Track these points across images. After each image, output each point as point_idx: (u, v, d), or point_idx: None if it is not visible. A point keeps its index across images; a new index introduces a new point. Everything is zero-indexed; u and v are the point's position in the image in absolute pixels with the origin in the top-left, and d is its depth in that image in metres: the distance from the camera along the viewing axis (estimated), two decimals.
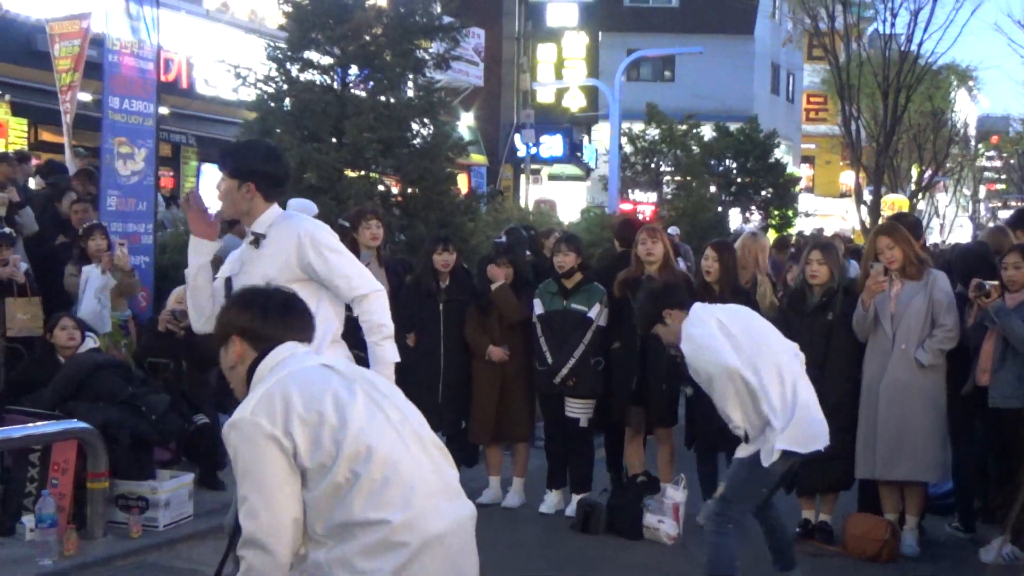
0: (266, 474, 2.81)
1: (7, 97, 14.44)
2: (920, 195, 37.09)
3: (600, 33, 30.59)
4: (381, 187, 11.75)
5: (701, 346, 5.03)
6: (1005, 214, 40.16)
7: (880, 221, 25.17)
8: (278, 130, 11.11)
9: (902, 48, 28.18)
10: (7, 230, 8.35)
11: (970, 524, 6.94)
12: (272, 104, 11.49)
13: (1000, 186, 61.36)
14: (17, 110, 14.60)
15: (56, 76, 11.85)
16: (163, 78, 11.10)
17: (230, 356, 3.12)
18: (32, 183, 10.76)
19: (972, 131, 52.00)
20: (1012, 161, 56.53)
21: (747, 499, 5.15)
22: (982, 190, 58.56)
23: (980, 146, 52.82)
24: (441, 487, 2.96)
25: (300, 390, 2.87)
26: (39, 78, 13.65)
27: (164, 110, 11.99)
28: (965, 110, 48.66)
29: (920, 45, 28.25)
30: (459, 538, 2.94)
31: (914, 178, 38.88)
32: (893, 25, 28.50)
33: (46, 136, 15.21)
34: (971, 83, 46.57)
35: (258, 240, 4.35)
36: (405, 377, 7.65)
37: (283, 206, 8.52)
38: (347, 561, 2.79)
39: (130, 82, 9.48)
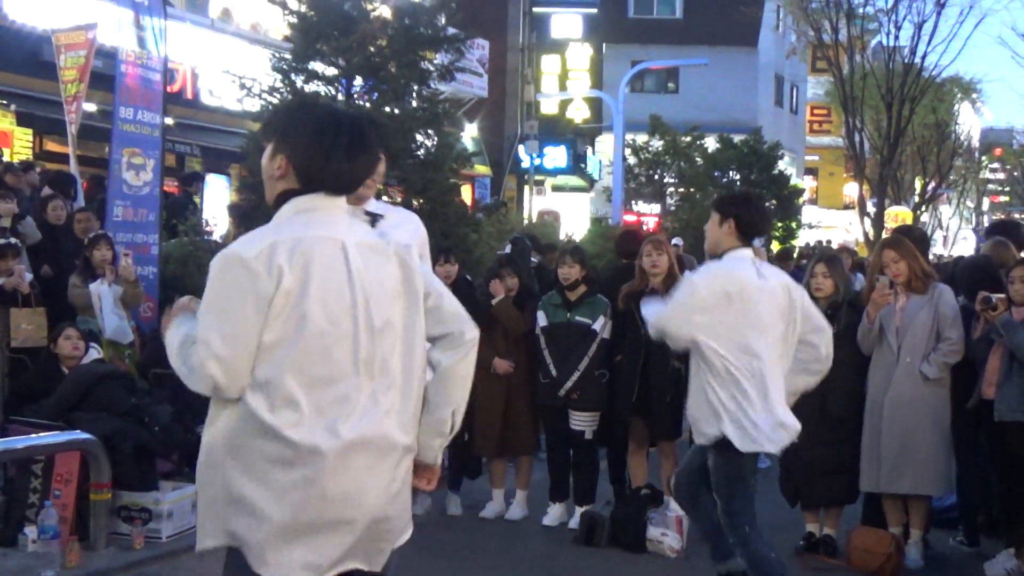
0: (242, 309, 2.68)
1: (12, 107, 14.47)
2: (923, 207, 37.12)
3: (604, 45, 30.66)
4: (385, 198, 11.77)
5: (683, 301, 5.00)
6: None
7: (884, 233, 25.19)
8: None
9: (906, 60, 28.23)
10: (12, 240, 8.36)
11: (974, 538, 6.92)
12: None
13: (1004, 198, 61.32)
14: (22, 120, 14.62)
15: (61, 86, 11.88)
16: (168, 89, 11.12)
17: (274, 167, 2.88)
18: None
19: (976, 143, 52.01)
20: (1016, 173, 56.56)
21: (743, 498, 5.10)
22: (985, 202, 58.54)
23: (984, 158, 52.83)
24: (367, 415, 2.79)
25: (304, 265, 2.72)
26: (44, 88, 13.69)
27: (169, 120, 12.01)
28: (969, 122, 48.67)
29: (924, 57, 28.32)
30: (363, 458, 2.77)
31: (917, 190, 38.91)
32: (897, 38, 28.58)
33: (51, 146, 15.24)
34: (975, 96, 46.62)
35: (375, 220, 3.91)
36: None
37: None
38: (251, 464, 2.71)
39: (136, 93, 9.51)
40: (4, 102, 14.36)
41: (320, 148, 2.82)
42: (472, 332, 3.04)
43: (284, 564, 2.72)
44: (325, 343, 2.75)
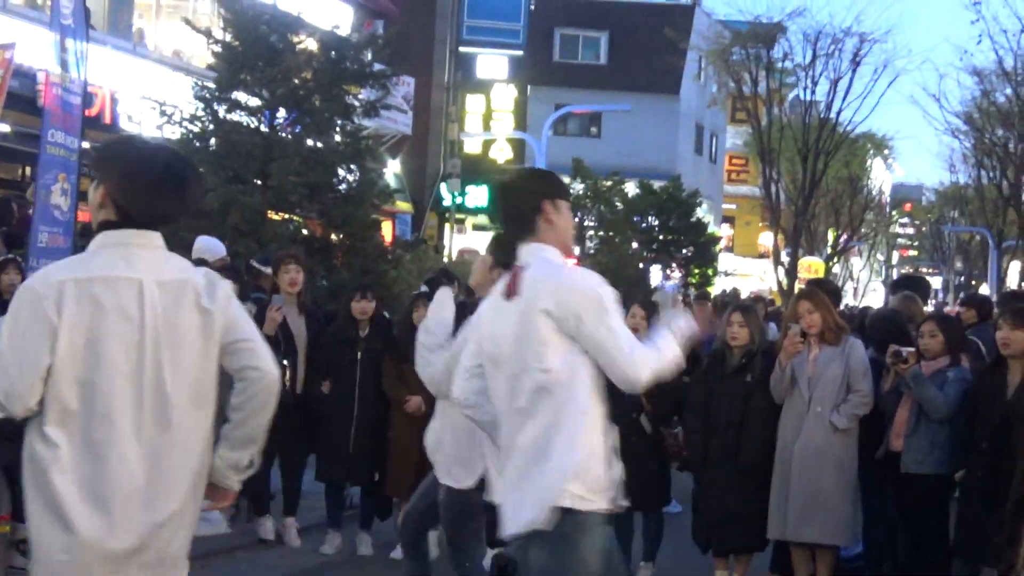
0: (32, 339, 2.80)
1: None
2: (836, 259, 37.96)
3: (529, 87, 30.92)
4: (305, 231, 11.68)
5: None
6: None
7: (796, 283, 25.68)
8: (202, 170, 10.99)
9: (822, 115, 28.97)
10: None
11: None
12: (197, 144, 11.39)
13: (912, 252, 63.06)
14: None
15: None
16: (86, 112, 10.91)
17: (96, 197, 2.98)
18: None
19: (887, 198, 53.44)
20: (924, 229, 58.18)
21: (469, 532, 5.38)
22: (895, 256, 60.09)
23: (894, 213, 54.31)
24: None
25: (93, 311, 2.83)
26: None
27: (85, 144, 11.80)
28: (880, 178, 50.00)
29: (839, 113, 29.11)
30: None
31: (830, 242, 39.78)
32: (814, 92, 29.35)
33: None
34: (887, 152, 47.90)
35: None
36: (318, 424, 7.57)
37: (190, 245, 8.38)
38: None
39: (57, 116, 9.32)
40: None
41: (132, 182, 2.92)
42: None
43: None
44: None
